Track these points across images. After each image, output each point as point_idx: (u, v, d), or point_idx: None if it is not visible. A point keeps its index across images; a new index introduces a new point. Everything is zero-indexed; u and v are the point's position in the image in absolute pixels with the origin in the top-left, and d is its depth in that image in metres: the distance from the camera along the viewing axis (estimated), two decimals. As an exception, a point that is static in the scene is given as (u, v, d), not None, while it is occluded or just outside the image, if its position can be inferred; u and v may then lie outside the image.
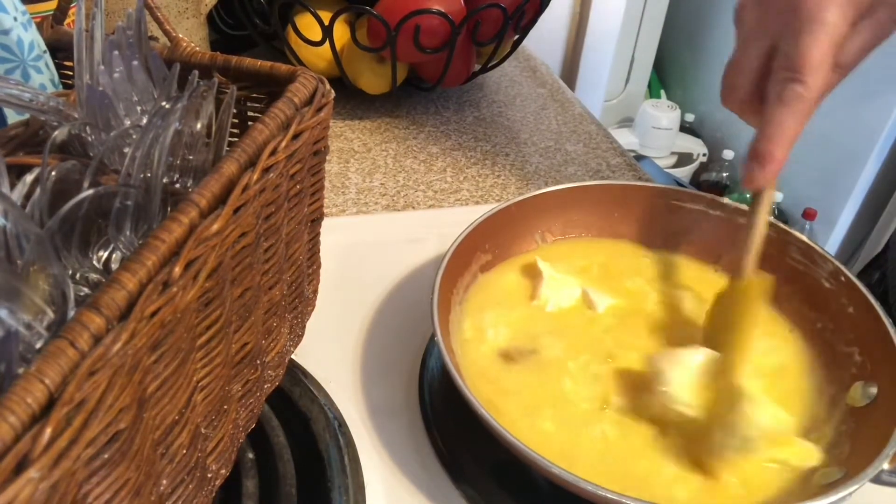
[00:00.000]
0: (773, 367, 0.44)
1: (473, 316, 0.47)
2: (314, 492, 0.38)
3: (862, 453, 0.36)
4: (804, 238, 0.48)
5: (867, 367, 0.41)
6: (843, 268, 0.45)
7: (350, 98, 0.80)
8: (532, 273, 0.50)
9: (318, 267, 0.44)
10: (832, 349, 0.44)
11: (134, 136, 0.31)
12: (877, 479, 0.34)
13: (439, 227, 0.60)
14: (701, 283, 0.50)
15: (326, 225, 0.42)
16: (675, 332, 0.46)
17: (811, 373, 0.44)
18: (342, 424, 0.42)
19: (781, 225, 0.48)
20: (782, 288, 0.47)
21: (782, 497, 0.37)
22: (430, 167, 0.70)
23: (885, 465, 0.34)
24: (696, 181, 1.92)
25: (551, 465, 0.33)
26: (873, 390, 0.40)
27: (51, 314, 0.24)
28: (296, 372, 0.45)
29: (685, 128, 1.98)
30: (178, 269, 0.23)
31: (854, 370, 0.42)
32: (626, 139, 1.92)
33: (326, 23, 0.69)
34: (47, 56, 0.40)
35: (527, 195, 0.51)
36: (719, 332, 0.44)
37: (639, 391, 0.41)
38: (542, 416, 0.41)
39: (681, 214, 0.52)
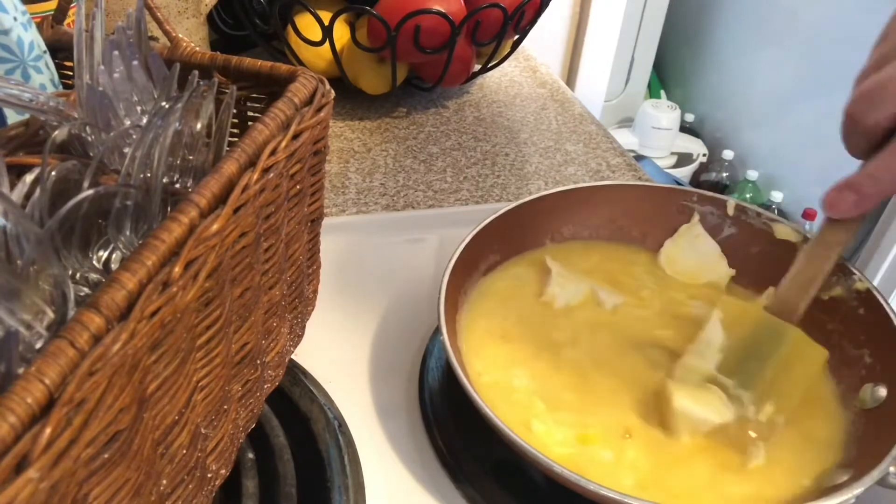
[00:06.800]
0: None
1: (480, 315, 0.47)
2: (314, 492, 0.38)
3: (870, 455, 0.36)
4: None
5: (877, 369, 0.41)
6: (854, 269, 0.44)
7: (350, 98, 0.80)
8: (540, 271, 0.50)
9: (318, 267, 0.44)
10: (842, 351, 0.44)
11: (134, 136, 0.31)
12: (883, 482, 0.34)
13: (439, 227, 0.60)
14: (708, 286, 0.50)
15: (326, 225, 0.42)
16: (682, 333, 0.46)
17: (821, 374, 0.44)
18: (342, 424, 0.42)
19: None
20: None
21: (789, 499, 0.37)
22: (430, 167, 0.70)
23: (892, 469, 0.34)
24: (695, 181, 1.92)
25: (554, 465, 0.33)
26: (883, 392, 0.40)
27: (51, 314, 0.24)
28: (296, 372, 0.45)
29: (685, 128, 1.98)
30: (178, 269, 0.23)
31: (864, 372, 0.42)
32: (626, 139, 1.92)
33: (326, 23, 0.69)
34: (47, 56, 0.40)
35: (536, 195, 0.51)
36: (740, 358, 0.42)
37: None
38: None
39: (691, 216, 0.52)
